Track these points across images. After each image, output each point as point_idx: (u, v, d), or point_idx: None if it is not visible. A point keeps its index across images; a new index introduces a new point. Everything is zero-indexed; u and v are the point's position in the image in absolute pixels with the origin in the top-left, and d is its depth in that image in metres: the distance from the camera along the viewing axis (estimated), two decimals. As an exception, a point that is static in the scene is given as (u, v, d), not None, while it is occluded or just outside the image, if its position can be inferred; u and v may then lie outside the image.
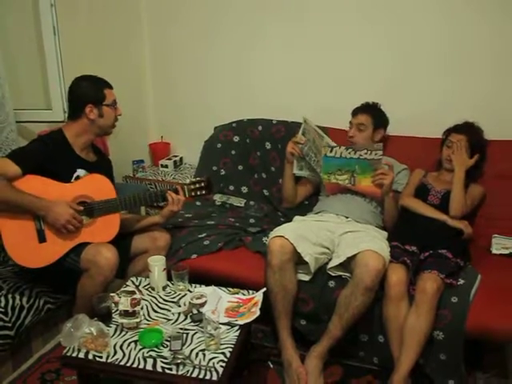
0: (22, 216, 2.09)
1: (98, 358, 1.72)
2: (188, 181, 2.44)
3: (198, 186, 2.37)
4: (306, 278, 2.24)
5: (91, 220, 2.21)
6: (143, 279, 2.21)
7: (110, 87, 2.27)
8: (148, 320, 1.92)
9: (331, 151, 2.27)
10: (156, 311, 1.99)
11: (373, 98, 2.63)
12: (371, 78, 2.99)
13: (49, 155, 2.15)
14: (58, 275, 2.21)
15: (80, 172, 2.24)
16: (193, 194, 2.37)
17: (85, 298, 2.12)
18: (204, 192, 2.39)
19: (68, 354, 1.75)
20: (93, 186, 2.23)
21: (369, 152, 2.28)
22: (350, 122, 2.58)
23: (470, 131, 2.49)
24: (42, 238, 2.13)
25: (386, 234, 2.43)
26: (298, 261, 2.19)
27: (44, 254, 2.12)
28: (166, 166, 3.51)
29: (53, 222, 2.08)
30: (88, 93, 2.21)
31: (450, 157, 2.46)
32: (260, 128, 3.10)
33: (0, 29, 2.65)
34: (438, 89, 2.88)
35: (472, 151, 2.47)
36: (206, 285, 2.14)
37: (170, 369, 1.67)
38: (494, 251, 2.43)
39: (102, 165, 2.35)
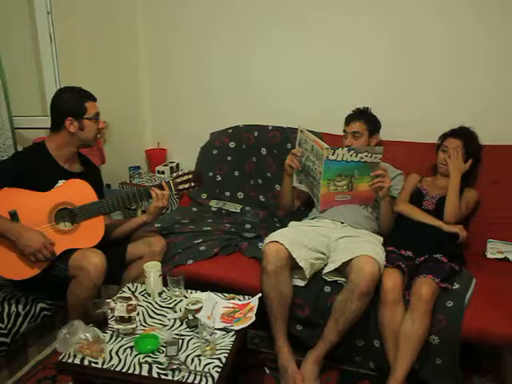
0: None
1: (93, 364, 1.72)
2: (174, 175, 2.40)
3: (185, 178, 2.33)
4: (302, 283, 2.25)
5: (74, 226, 2.19)
6: (139, 285, 2.21)
7: (93, 100, 2.24)
8: (144, 326, 1.92)
9: (333, 154, 2.25)
10: (152, 317, 1.99)
11: (369, 102, 2.64)
12: (367, 83, 3.00)
13: (27, 169, 2.13)
14: (48, 284, 2.19)
15: (61, 183, 2.21)
16: (180, 187, 2.33)
17: (75, 304, 2.12)
18: (192, 184, 2.34)
19: (64, 360, 1.74)
20: (72, 191, 2.20)
21: (369, 155, 2.27)
22: (345, 131, 2.57)
23: (465, 136, 2.50)
24: None
25: (381, 238, 2.43)
26: (294, 266, 2.20)
27: (28, 265, 2.09)
28: (163, 172, 3.51)
29: (22, 248, 2.03)
30: (68, 105, 2.18)
31: (445, 161, 2.47)
32: (256, 134, 3.11)
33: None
34: (434, 93, 2.89)
35: (467, 156, 2.48)
36: (202, 290, 2.14)
37: (166, 374, 1.67)
38: (489, 256, 2.44)
39: (88, 175, 2.32)
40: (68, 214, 2.19)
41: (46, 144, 2.24)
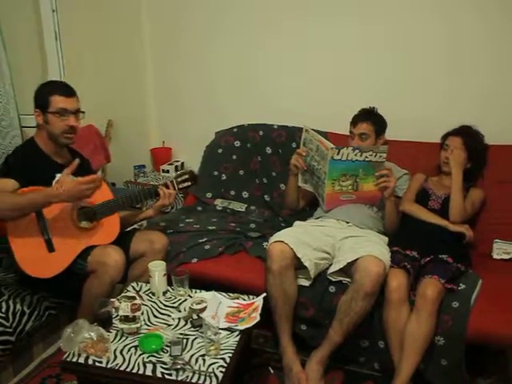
0: (29, 229, 2.09)
1: (97, 363, 1.72)
2: (174, 175, 2.51)
3: (184, 177, 2.46)
4: (307, 283, 2.24)
5: (94, 223, 2.24)
6: (144, 284, 2.21)
7: (65, 95, 2.16)
8: (148, 325, 1.92)
9: (338, 153, 2.25)
10: (156, 316, 1.99)
11: (373, 102, 2.62)
12: (371, 82, 3.00)
13: (27, 165, 2.15)
14: (64, 281, 2.19)
15: (59, 177, 2.19)
16: (180, 186, 2.45)
17: (91, 300, 2.11)
18: (190, 183, 2.47)
19: (68, 359, 1.74)
20: None
21: (374, 154, 2.26)
22: (351, 132, 2.54)
23: (465, 133, 2.49)
24: (50, 248, 2.13)
25: (386, 239, 2.42)
26: (299, 266, 2.19)
27: (55, 263, 2.12)
28: (168, 171, 3.52)
29: (74, 200, 2.08)
30: (37, 97, 2.18)
31: (447, 159, 2.46)
32: (261, 133, 3.10)
33: (4, 34, 2.66)
34: (438, 92, 2.89)
35: (469, 153, 2.46)
36: (206, 290, 2.14)
37: (170, 374, 1.67)
38: (495, 256, 2.43)
39: (79, 166, 2.26)
40: (88, 212, 2.22)
41: (35, 139, 2.25)
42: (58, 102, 2.16)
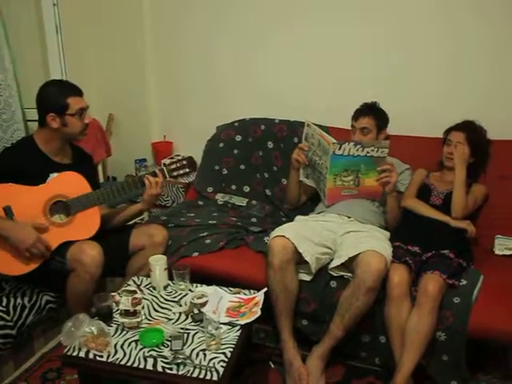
0: None
1: (98, 357, 1.72)
2: (168, 161, 2.42)
3: (178, 165, 2.33)
4: (308, 278, 2.23)
5: (70, 218, 2.17)
6: (144, 278, 2.21)
7: (78, 95, 2.16)
8: (149, 319, 1.92)
9: (340, 148, 2.24)
10: (157, 311, 1.99)
11: (374, 96, 2.61)
12: (373, 77, 2.98)
13: (19, 163, 2.12)
14: (47, 278, 2.18)
15: (54, 176, 2.19)
16: (174, 173, 2.33)
17: (75, 297, 2.12)
18: (187, 170, 2.34)
19: (69, 353, 1.74)
20: (66, 184, 2.19)
21: (376, 149, 2.26)
22: (353, 126, 2.54)
23: (468, 128, 2.48)
24: None
25: (388, 234, 2.42)
26: (300, 261, 2.19)
27: (25, 260, 2.07)
28: (169, 165, 3.50)
29: (16, 244, 2.01)
30: (50, 101, 2.12)
31: (450, 154, 2.45)
32: (262, 127, 3.09)
33: (7, 28, 2.66)
34: (439, 88, 2.87)
35: (472, 148, 2.45)
36: (208, 284, 2.13)
37: (171, 368, 1.66)
38: (497, 252, 2.42)
39: (78, 166, 2.28)
40: (62, 207, 2.17)
41: (34, 138, 2.21)
42: (75, 103, 2.15)
